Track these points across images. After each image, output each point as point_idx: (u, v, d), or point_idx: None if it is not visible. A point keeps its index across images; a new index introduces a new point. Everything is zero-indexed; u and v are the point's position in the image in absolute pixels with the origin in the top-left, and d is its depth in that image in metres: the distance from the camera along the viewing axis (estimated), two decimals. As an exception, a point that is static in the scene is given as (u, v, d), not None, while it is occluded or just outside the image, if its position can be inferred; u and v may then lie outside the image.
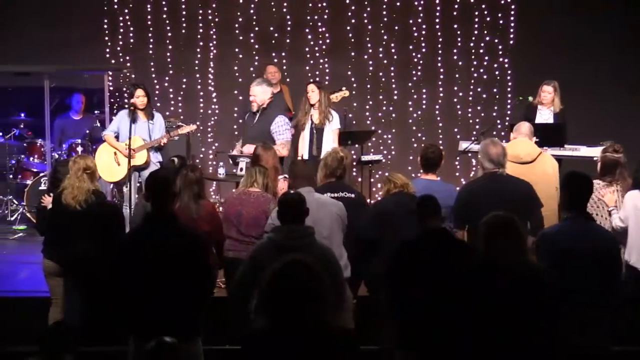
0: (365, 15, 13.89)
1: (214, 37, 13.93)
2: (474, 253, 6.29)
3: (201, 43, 13.92)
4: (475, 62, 13.93)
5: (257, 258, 6.12)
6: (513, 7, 13.78)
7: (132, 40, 13.89)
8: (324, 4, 13.86)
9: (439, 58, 13.96)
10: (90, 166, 7.97)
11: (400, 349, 6.12)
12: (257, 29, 13.93)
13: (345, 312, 6.85)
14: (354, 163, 11.48)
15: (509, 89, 13.87)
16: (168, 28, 13.89)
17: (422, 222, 6.21)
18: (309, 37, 13.93)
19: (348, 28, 13.93)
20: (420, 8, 13.87)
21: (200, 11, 13.86)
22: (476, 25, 13.86)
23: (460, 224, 7.53)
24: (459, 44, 13.93)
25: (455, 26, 13.89)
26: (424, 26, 13.89)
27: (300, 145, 10.96)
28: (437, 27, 13.90)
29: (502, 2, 13.77)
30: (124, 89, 13.76)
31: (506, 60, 13.88)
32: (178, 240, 6.04)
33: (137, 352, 6.02)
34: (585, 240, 6.10)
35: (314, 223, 6.62)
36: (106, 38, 13.87)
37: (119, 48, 13.86)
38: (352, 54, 13.97)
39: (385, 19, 13.88)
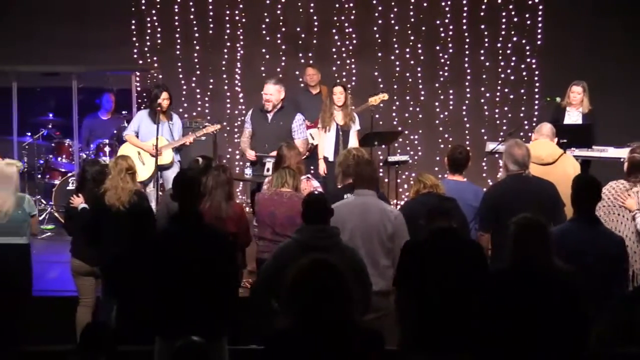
0: (392, 15, 13.87)
1: (241, 37, 13.96)
2: (483, 251, 6.32)
3: (228, 44, 13.96)
4: (502, 63, 13.87)
5: (281, 258, 6.14)
6: (541, 7, 13.71)
7: (159, 41, 13.95)
8: (351, 5, 13.85)
9: (466, 59, 13.91)
10: (132, 166, 8.04)
11: (412, 350, 6.11)
12: (284, 29, 13.94)
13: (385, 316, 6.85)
14: (380, 164, 11.48)
15: (536, 90, 13.81)
16: (195, 29, 13.93)
17: (429, 222, 6.19)
18: (336, 37, 13.93)
19: (375, 29, 13.92)
20: (447, 8, 13.83)
21: (228, 12, 13.89)
22: (503, 26, 13.80)
23: (486, 226, 7.50)
24: (486, 45, 13.88)
25: (483, 27, 13.84)
26: (451, 27, 13.85)
27: (321, 146, 10.98)
28: (464, 27, 13.86)
29: (530, 2, 13.71)
30: (152, 89, 13.80)
31: (534, 61, 13.82)
32: (205, 240, 6.06)
33: (162, 351, 6.04)
34: (591, 243, 6.13)
35: (350, 232, 6.63)
36: (134, 39, 13.93)
37: (146, 49, 13.92)
38: (379, 54, 13.96)
39: (412, 20, 13.86)
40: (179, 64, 13.96)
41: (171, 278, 5.96)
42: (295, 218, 7.45)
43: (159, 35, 13.94)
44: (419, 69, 13.94)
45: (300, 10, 13.90)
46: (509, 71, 13.87)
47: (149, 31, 13.91)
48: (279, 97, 10.34)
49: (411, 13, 13.86)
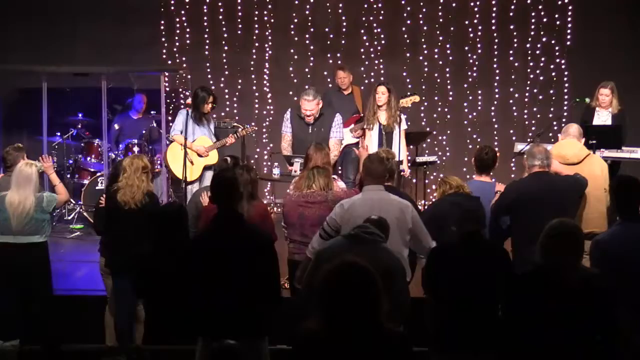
0: (420, 16, 13.85)
1: (270, 38, 13.98)
2: (508, 255, 6.29)
3: (257, 44, 13.98)
4: (531, 64, 13.83)
5: (323, 253, 6.16)
6: (570, 7, 13.65)
7: (188, 42, 13.99)
8: (380, 5, 13.84)
9: (495, 59, 13.88)
10: (148, 165, 8.04)
11: (436, 351, 6.11)
12: (312, 30, 13.95)
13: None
14: (409, 165, 11.45)
15: (565, 90, 13.75)
16: (224, 29, 13.96)
17: (459, 225, 6.19)
18: (365, 38, 13.92)
19: (403, 29, 13.90)
20: (476, 9, 13.80)
21: (256, 12, 13.91)
22: (532, 26, 13.76)
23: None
24: (515, 45, 13.84)
25: (512, 27, 13.80)
26: (479, 27, 13.82)
27: (367, 146, 10.96)
28: (493, 28, 13.82)
29: (559, 2, 13.65)
30: (180, 89, 13.87)
31: (563, 61, 13.76)
32: (246, 240, 6.07)
33: (204, 351, 6.07)
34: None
35: None
36: (163, 39, 13.98)
37: (175, 49, 13.97)
38: (408, 55, 13.95)
39: (441, 20, 13.83)
40: (208, 65, 14.00)
41: (213, 279, 5.98)
42: (325, 217, 7.45)
43: (187, 35, 13.98)
44: (447, 69, 13.92)
45: (329, 10, 13.90)
46: (538, 71, 13.82)
47: (177, 32, 13.96)
48: (319, 109, 10.32)
49: (440, 13, 13.84)
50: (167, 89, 13.38)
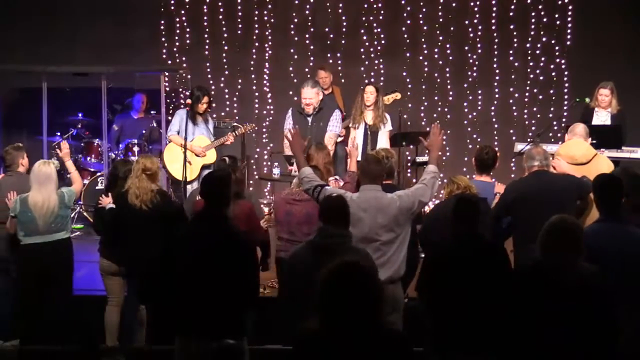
0: (420, 16, 13.85)
1: (270, 38, 13.98)
2: (506, 255, 6.28)
3: (257, 44, 13.98)
4: (531, 63, 13.82)
5: (292, 261, 6.20)
6: (570, 7, 13.64)
7: (188, 41, 14.00)
8: (380, 5, 13.84)
9: (495, 59, 13.87)
10: (149, 167, 7.98)
11: (434, 352, 6.11)
12: (312, 30, 13.96)
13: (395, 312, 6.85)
14: (409, 164, 11.47)
15: (565, 90, 13.74)
16: (224, 29, 13.96)
17: (454, 226, 6.18)
18: (364, 38, 13.92)
19: (403, 29, 13.90)
20: (476, 9, 13.79)
21: (256, 12, 13.91)
22: (532, 26, 13.76)
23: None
24: (515, 45, 13.84)
25: (512, 27, 13.80)
26: (479, 27, 13.82)
27: (357, 144, 10.98)
28: (493, 27, 13.82)
29: (559, 2, 13.64)
30: (180, 89, 13.87)
31: (563, 61, 13.75)
32: (223, 239, 6.05)
33: (182, 351, 6.08)
34: (621, 242, 6.05)
35: (369, 229, 6.63)
36: (163, 39, 13.99)
37: (175, 49, 13.97)
38: (408, 55, 13.94)
39: (441, 20, 13.83)
40: (208, 64, 14.00)
41: (190, 276, 5.98)
42: (312, 216, 7.44)
43: (187, 35, 13.99)
44: (447, 69, 13.92)
45: (329, 10, 13.90)
46: (538, 71, 13.81)
47: (177, 31, 13.97)
48: (318, 99, 10.39)
49: (440, 13, 13.84)
50: (167, 89, 13.39)
